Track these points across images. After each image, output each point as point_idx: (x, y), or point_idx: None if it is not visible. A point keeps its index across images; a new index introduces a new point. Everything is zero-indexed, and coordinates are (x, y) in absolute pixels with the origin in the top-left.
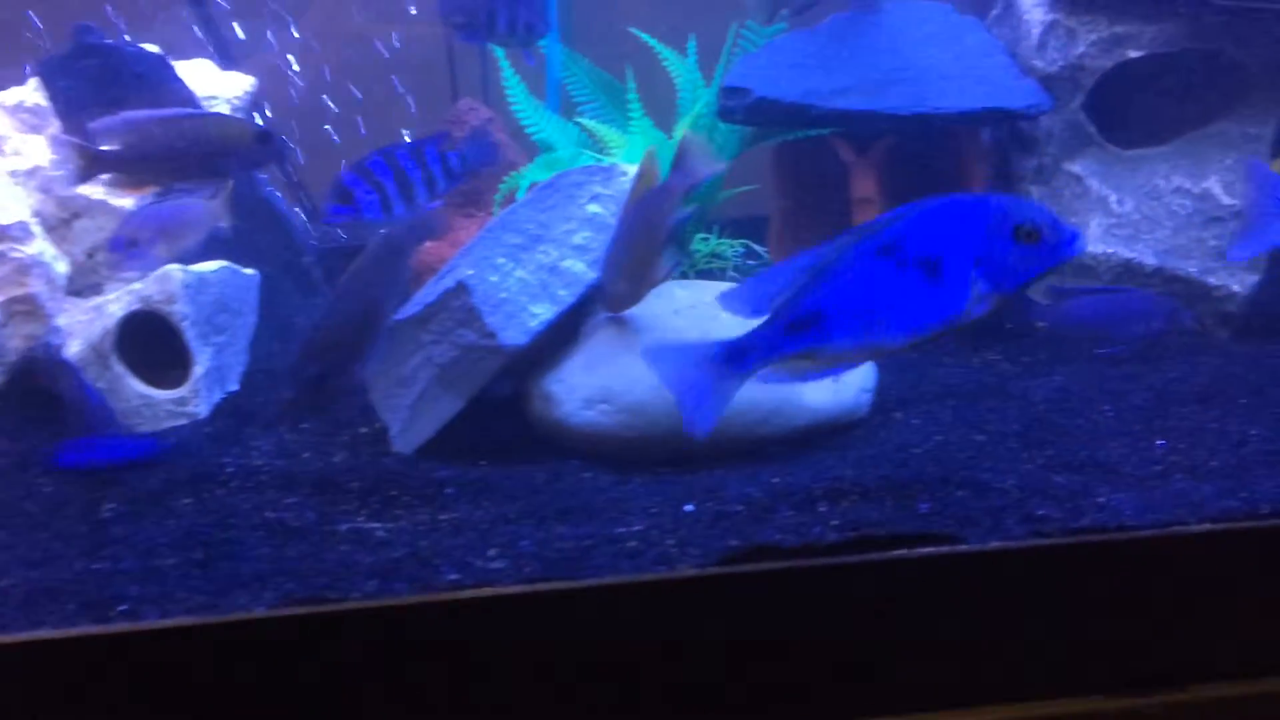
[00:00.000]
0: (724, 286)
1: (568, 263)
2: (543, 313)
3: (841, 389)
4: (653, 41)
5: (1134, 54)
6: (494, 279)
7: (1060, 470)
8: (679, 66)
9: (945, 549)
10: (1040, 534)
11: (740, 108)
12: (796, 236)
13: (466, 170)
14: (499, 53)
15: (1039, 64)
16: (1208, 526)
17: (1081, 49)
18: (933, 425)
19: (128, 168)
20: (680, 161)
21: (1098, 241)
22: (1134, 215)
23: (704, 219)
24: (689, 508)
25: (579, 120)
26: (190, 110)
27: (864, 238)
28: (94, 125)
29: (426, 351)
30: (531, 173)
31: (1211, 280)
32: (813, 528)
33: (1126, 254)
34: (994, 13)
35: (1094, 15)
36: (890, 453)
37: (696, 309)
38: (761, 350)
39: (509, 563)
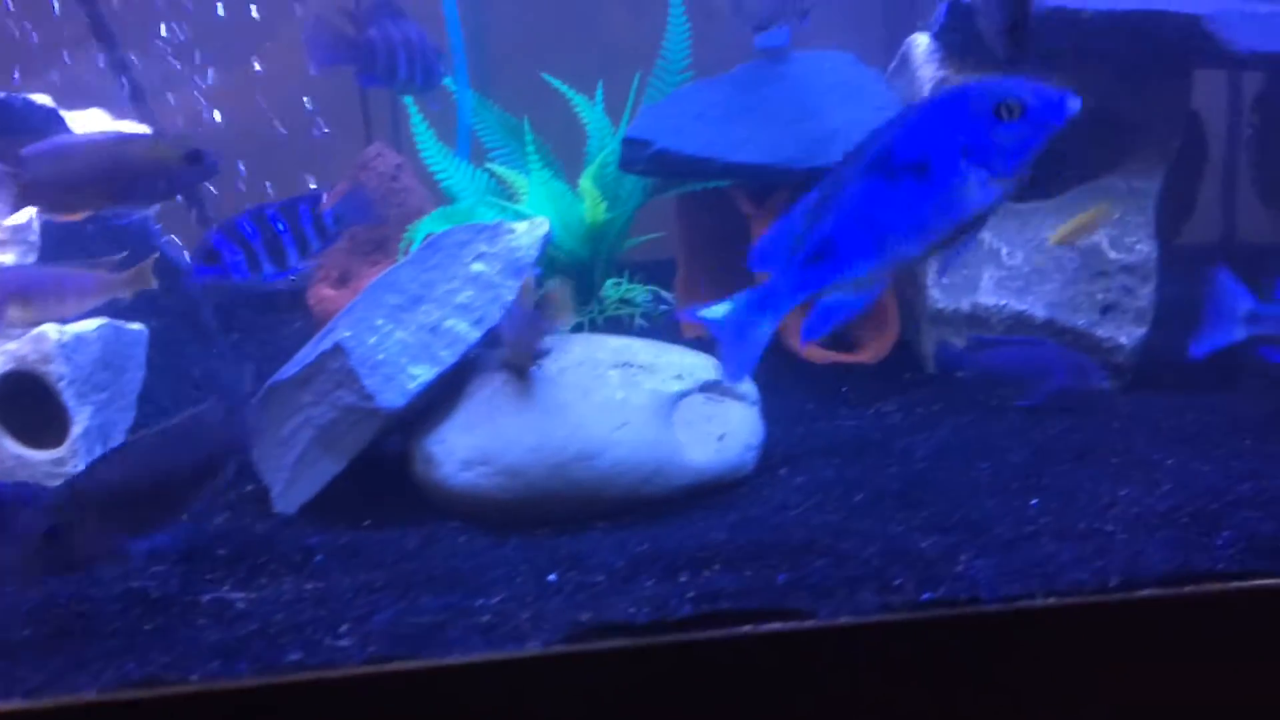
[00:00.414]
0: (619, 342)
1: (450, 323)
2: (422, 374)
3: (725, 447)
4: (563, 88)
5: None
6: (372, 340)
7: (931, 532)
8: (589, 113)
9: (792, 624)
10: (889, 608)
11: (641, 159)
12: (702, 283)
13: (341, 229)
14: (408, 98)
15: None
16: (1053, 601)
17: None
18: (814, 484)
19: (58, 195)
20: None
21: (989, 294)
22: (1024, 268)
23: (614, 264)
24: (552, 577)
25: (489, 167)
26: (119, 134)
27: (853, 159)
28: (25, 152)
29: (306, 413)
30: (426, 225)
31: (1099, 333)
32: (669, 600)
33: (1018, 306)
34: (892, 65)
35: (981, 72)
36: (766, 515)
37: (584, 366)
38: (785, 292)
39: (356, 640)
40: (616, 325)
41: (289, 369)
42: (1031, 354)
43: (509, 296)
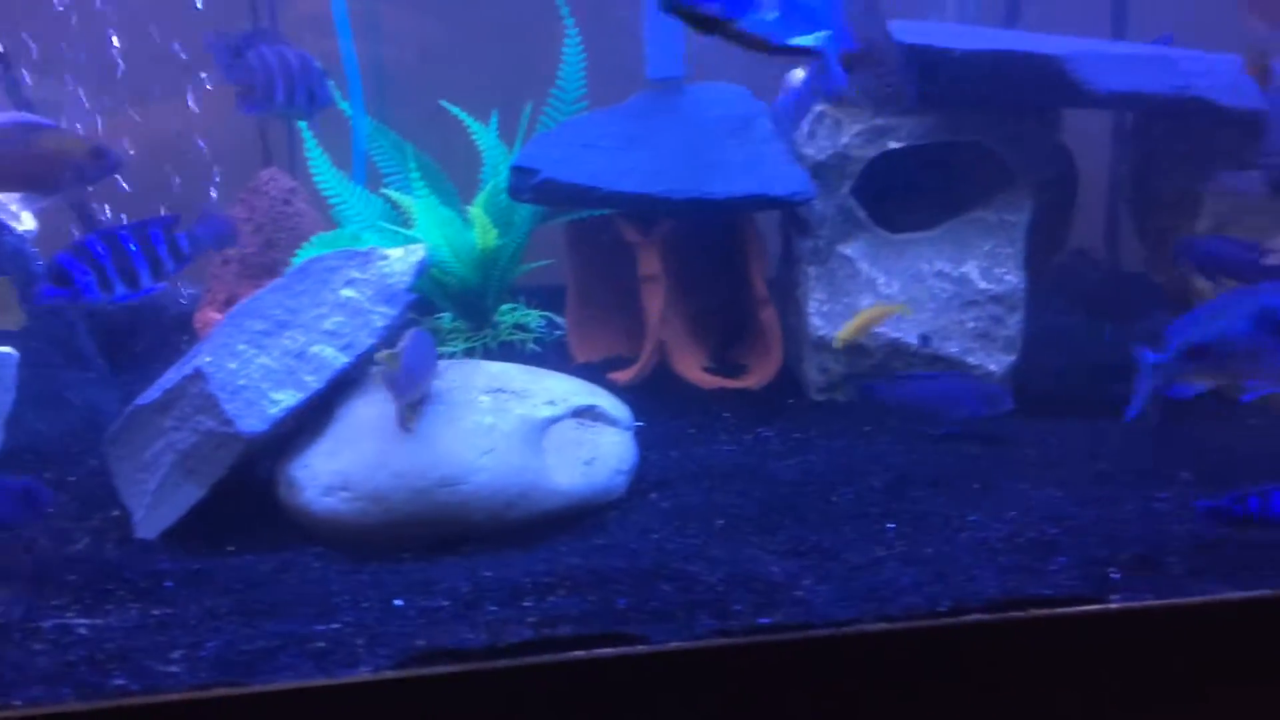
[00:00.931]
0: (497, 368)
1: (317, 348)
2: (285, 399)
3: (594, 471)
4: (460, 113)
5: (894, 144)
6: (233, 365)
7: (785, 556)
8: (484, 139)
9: (623, 649)
10: (724, 632)
11: (528, 187)
12: (591, 309)
13: (197, 252)
14: (303, 125)
15: (810, 152)
16: (882, 626)
17: (847, 139)
18: (679, 509)
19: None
20: None
21: None
22: (900, 297)
23: (508, 289)
24: (399, 603)
25: (384, 192)
26: (27, 120)
27: None
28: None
29: (168, 437)
30: (307, 250)
31: (971, 360)
32: (508, 625)
33: (894, 334)
34: (777, 100)
35: (858, 107)
36: (626, 539)
37: (456, 392)
38: None
39: (187, 666)
40: (509, 350)
41: (151, 393)
42: (944, 386)
43: (380, 323)
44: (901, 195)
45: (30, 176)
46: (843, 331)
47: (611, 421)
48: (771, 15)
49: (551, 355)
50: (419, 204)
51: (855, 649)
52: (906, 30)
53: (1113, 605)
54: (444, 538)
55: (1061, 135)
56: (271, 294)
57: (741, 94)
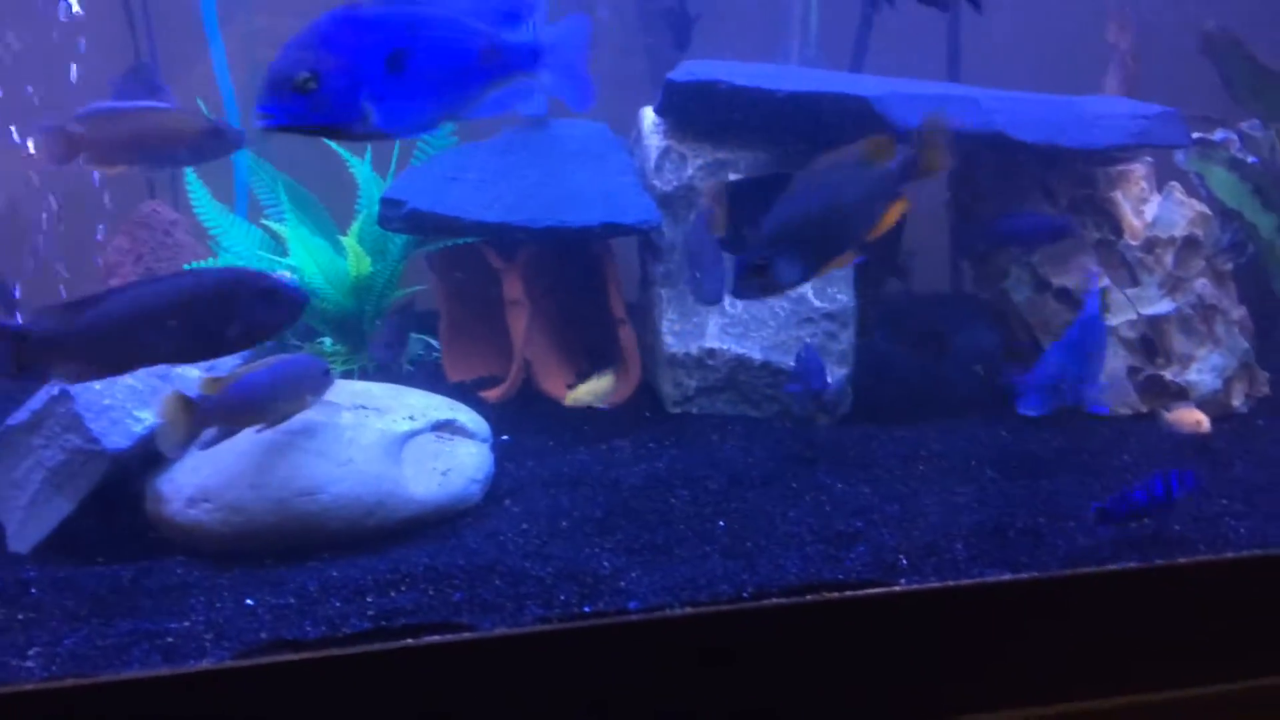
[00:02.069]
0: (361, 386)
1: (180, 369)
2: (148, 418)
3: (449, 481)
4: (336, 146)
5: (733, 176)
6: (99, 386)
7: (617, 554)
8: (359, 170)
9: (449, 637)
10: (544, 619)
11: (397, 217)
12: (462, 331)
13: None
14: None
15: (658, 184)
16: (687, 610)
17: (690, 171)
18: (528, 513)
19: (99, 150)
20: None
21: (715, 339)
22: (744, 315)
23: (385, 314)
24: (250, 602)
25: (264, 222)
26: (153, 104)
27: None
28: (78, 111)
29: (37, 455)
30: None
31: None
32: (348, 619)
33: (738, 350)
34: (633, 134)
35: (700, 142)
36: (474, 542)
37: (319, 409)
38: None
39: (42, 661)
40: (386, 372)
41: (19, 414)
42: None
43: None
44: (743, 221)
45: (155, 153)
46: (573, 395)
47: (470, 435)
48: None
49: (427, 376)
50: (291, 234)
51: (662, 632)
52: (739, 73)
53: (897, 588)
54: (304, 545)
55: None
56: None
57: (600, 130)
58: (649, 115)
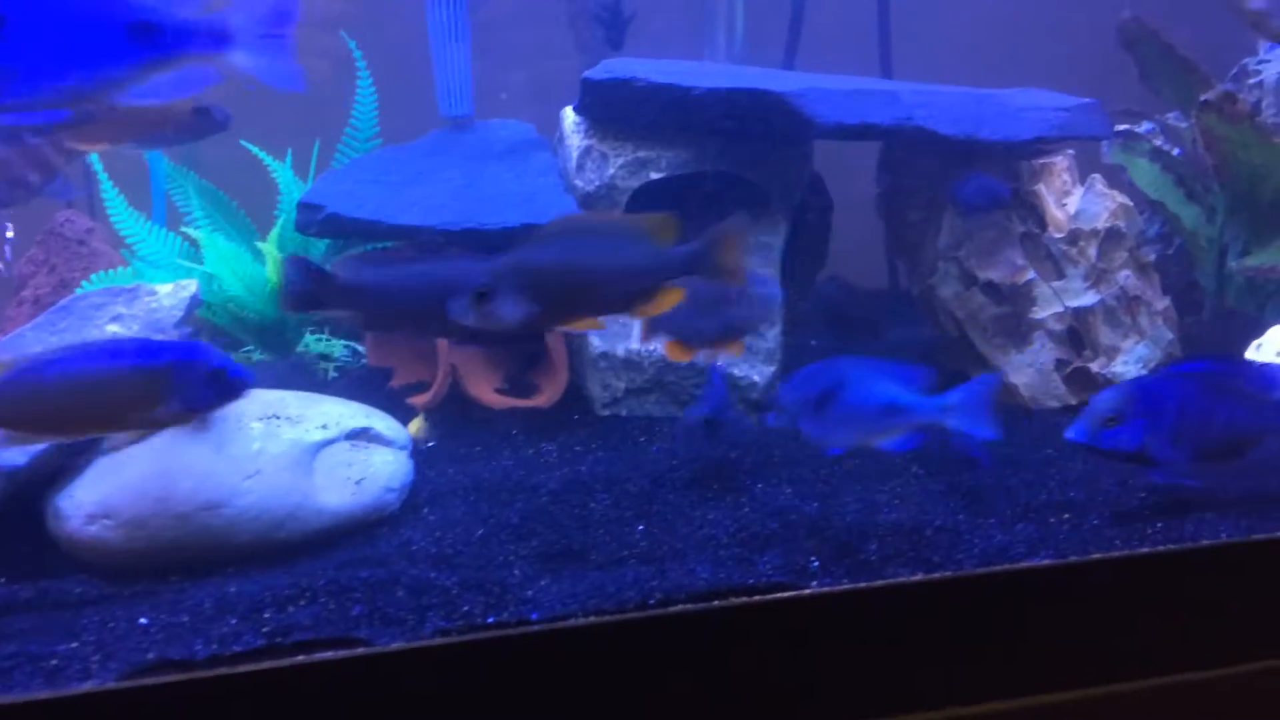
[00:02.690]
0: (274, 395)
1: None
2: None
3: (363, 490)
4: (259, 151)
5: (655, 175)
6: None
7: (530, 561)
8: (281, 175)
9: (342, 652)
10: (443, 632)
11: (314, 222)
12: (390, 336)
13: None
14: (97, 164)
15: (580, 184)
16: (591, 620)
17: (612, 171)
18: (445, 521)
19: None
20: None
21: (637, 340)
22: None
23: (313, 320)
24: (144, 621)
25: (183, 230)
26: None
27: None
28: None
29: None
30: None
31: (736, 371)
32: (241, 636)
33: (663, 350)
34: (556, 135)
35: (621, 141)
36: (385, 552)
37: (228, 420)
38: None
39: None
40: (312, 380)
41: None
42: None
43: None
44: (679, 220)
45: (142, 130)
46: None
47: (387, 443)
48: None
49: (355, 383)
50: (206, 240)
51: (562, 643)
52: (658, 70)
53: (806, 591)
54: (210, 560)
55: (811, 163)
56: (33, 331)
57: (525, 131)
58: (569, 115)
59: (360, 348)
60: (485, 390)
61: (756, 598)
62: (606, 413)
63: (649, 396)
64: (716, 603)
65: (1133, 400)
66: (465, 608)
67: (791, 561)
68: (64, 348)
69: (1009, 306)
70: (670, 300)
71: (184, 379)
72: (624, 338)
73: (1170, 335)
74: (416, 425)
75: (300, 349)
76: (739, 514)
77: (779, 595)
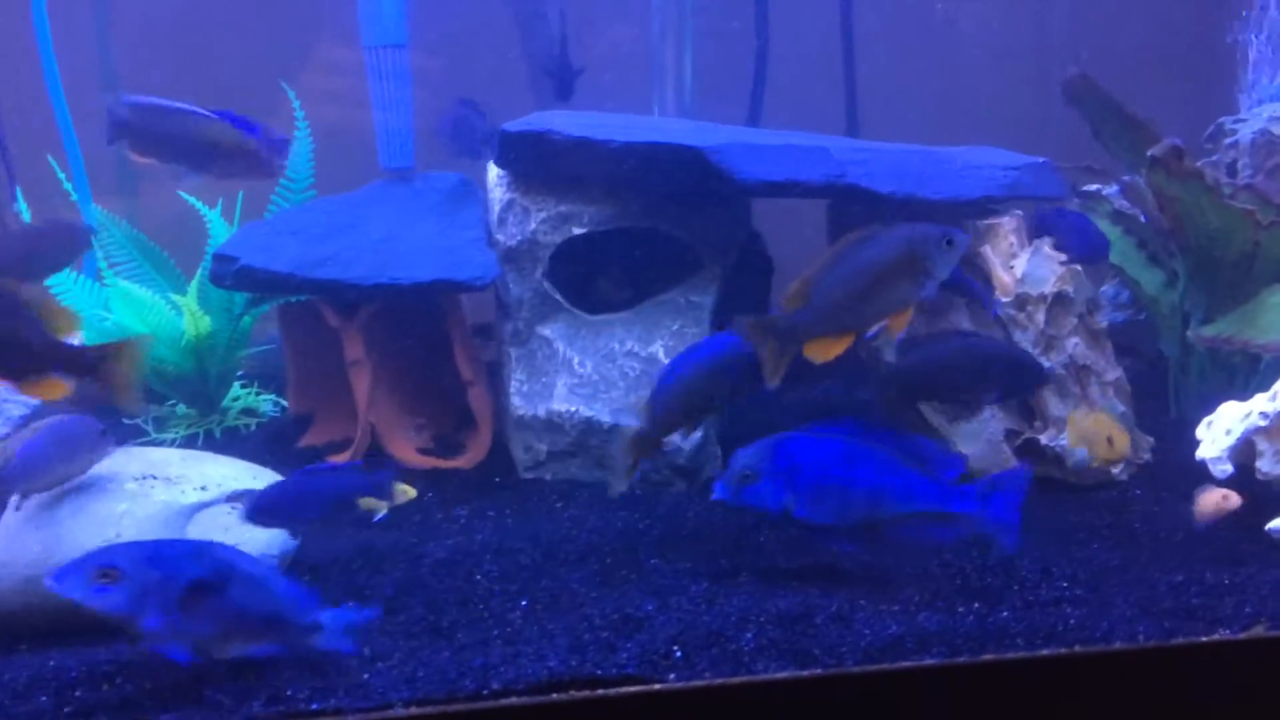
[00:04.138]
0: (160, 455)
1: None
2: None
3: None
4: (192, 200)
5: (578, 230)
6: None
7: (390, 638)
8: (215, 227)
9: None
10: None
11: (228, 274)
12: (310, 392)
13: None
14: (25, 214)
15: (502, 238)
16: (412, 710)
17: (534, 225)
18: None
19: (140, 139)
20: None
21: (563, 400)
22: (593, 376)
23: (232, 374)
24: None
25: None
26: (198, 110)
27: None
28: (126, 98)
29: None
30: None
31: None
32: (44, 715)
33: (586, 412)
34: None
35: (544, 195)
36: None
37: (101, 480)
38: None
39: None
40: (233, 436)
41: None
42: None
43: (17, 413)
44: (613, 278)
45: (198, 158)
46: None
47: None
48: None
49: (278, 439)
50: (113, 292)
51: None
52: (577, 123)
53: (656, 686)
54: (63, 628)
55: (748, 222)
56: None
57: (462, 183)
58: (493, 169)
59: (284, 400)
60: (406, 450)
61: (586, 693)
62: (530, 476)
63: (573, 460)
64: (555, 695)
65: (767, 457)
66: (289, 691)
67: (652, 650)
68: None
69: None
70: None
71: None
72: (545, 397)
73: (1122, 407)
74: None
75: (228, 403)
76: (623, 592)
77: (615, 691)
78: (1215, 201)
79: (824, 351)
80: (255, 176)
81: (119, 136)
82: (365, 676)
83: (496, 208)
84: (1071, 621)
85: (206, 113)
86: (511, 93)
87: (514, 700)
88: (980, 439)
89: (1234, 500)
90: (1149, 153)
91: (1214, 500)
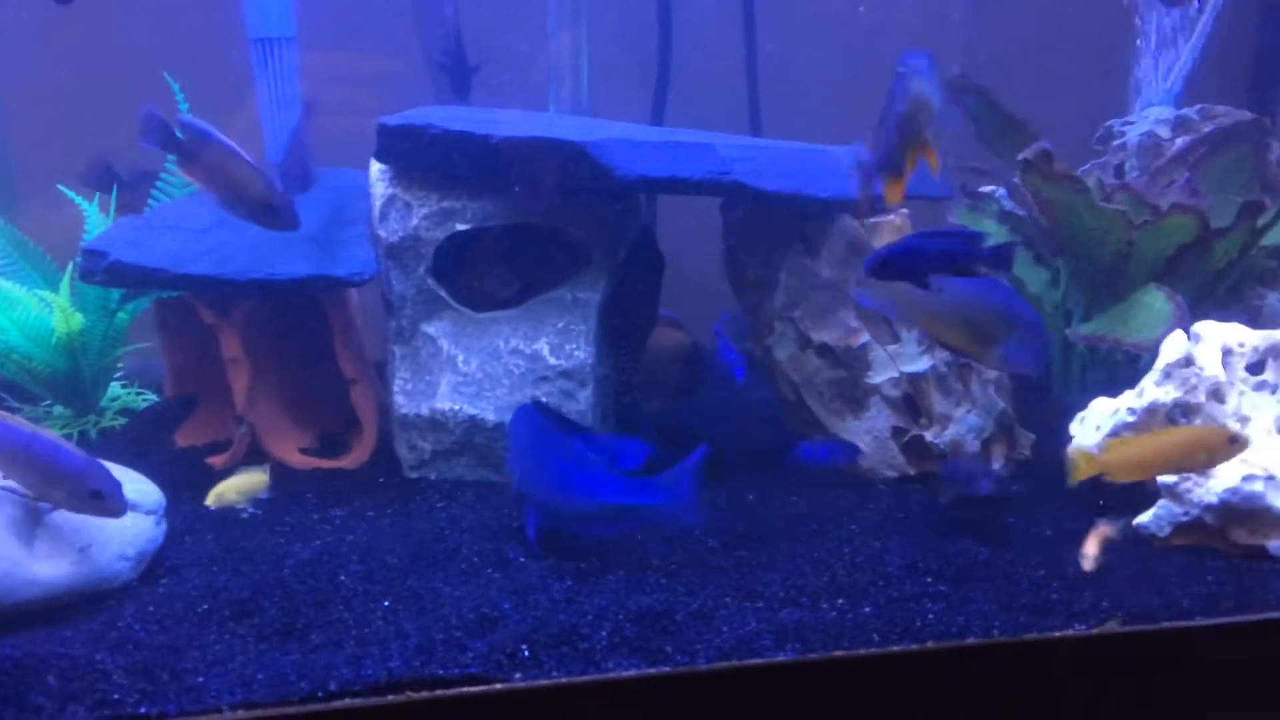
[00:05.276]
0: None
1: None
2: None
3: (88, 558)
4: (72, 195)
5: (461, 226)
6: None
7: (240, 640)
8: (91, 220)
9: None
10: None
11: (99, 269)
12: (189, 391)
13: None
14: None
15: (383, 234)
16: (240, 714)
17: (416, 221)
18: (173, 594)
19: (186, 159)
20: None
21: (446, 399)
22: (478, 374)
23: (112, 372)
24: None
25: None
26: (237, 150)
27: None
28: (185, 119)
29: None
30: None
31: None
32: None
33: (471, 410)
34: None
35: (426, 191)
36: (84, 629)
37: None
38: None
39: None
40: (110, 437)
41: None
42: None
43: None
44: (500, 274)
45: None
46: (212, 495)
47: (132, 507)
48: None
49: (153, 439)
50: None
51: None
52: (456, 117)
53: (496, 686)
54: None
55: (638, 219)
56: None
57: (356, 179)
58: (375, 164)
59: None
60: (288, 450)
61: (440, 691)
62: (415, 475)
63: (458, 459)
64: (391, 697)
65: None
66: (116, 696)
67: (500, 649)
68: None
69: (845, 370)
70: None
71: None
72: (429, 396)
73: (1001, 404)
74: (238, 483)
75: (106, 403)
76: (484, 591)
77: (454, 691)
78: (1088, 203)
79: None
80: (269, 228)
81: (169, 149)
82: (200, 680)
83: (378, 203)
84: (930, 617)
85: (247, 158)
86: (412, 88)
87: (346, 703)
88: (868, 435)
89: (1106, 531)
90: (1021, 155)
91: (1094, 541)
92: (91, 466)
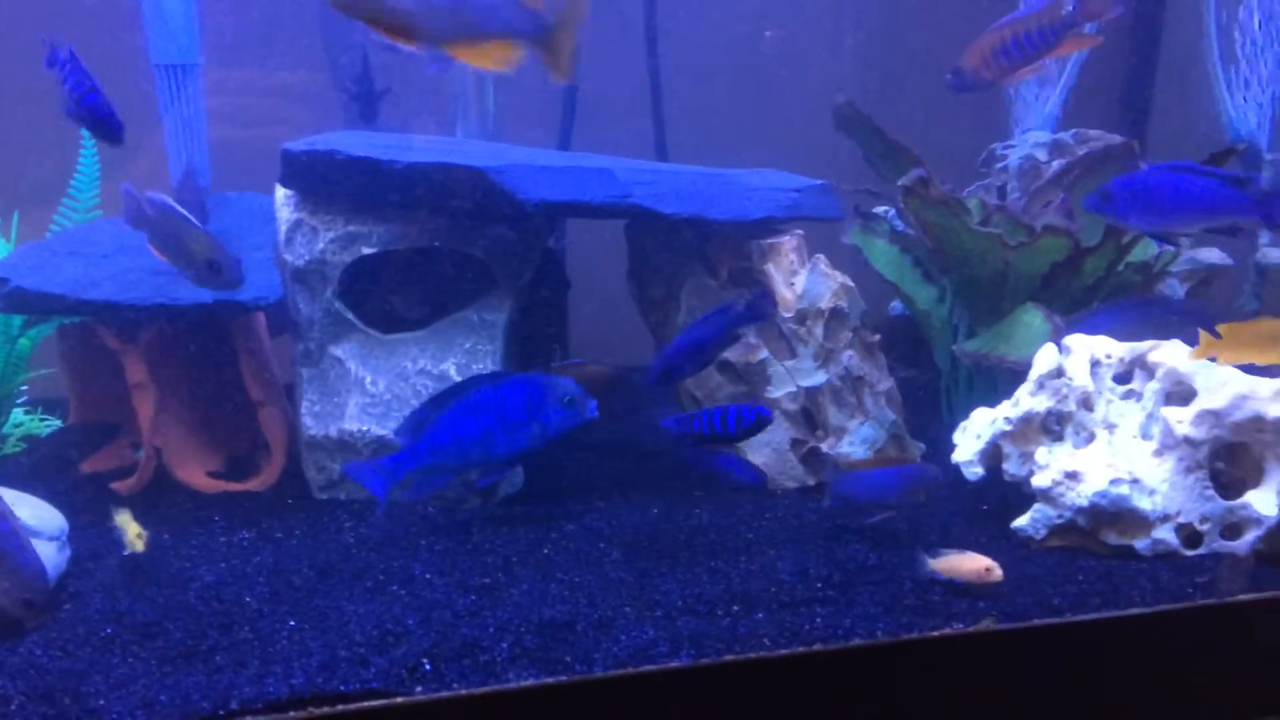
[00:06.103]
0: None
1: None
2: None
3: None
4: None
5: (368, 250)
6: None
7: (144, 662)
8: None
9: None
10: None
11: (0, 296)
12: (93, 417)
13: None
14: None
15: (289, 258)
16: None
17: (322, 245)
18: (75, 618)
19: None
20: None
21: (354, 420)
22: (386, 395)
23: (13, 399)
24: None
25: None
26: (189, 219)
27: None
28: (151, 196)
29: None
30: None
31: None
32: None
33: (379, 431)
34: None
35: (332, 215)
36: None
37: None
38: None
39: None
40: (13, 464)
41: None
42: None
43: None
44: (407, 297)
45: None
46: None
47: (32, 533)
48: None
49: (60, 466)
50: None
51: None
52: (361, 143)
53: (397, 700)
54: None
55: (544, 241)
56: None
57: (260, 204)
58: (280, 189)
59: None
60: (195, 474)
61: (328, 708)
62: (324, 496)
63: None
64: (292, 713)
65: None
66: None
67: (402, 663)
68: None
69: (745, 386)
70: None
71: None
72: (337, 418)
73: (893, 416)
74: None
75: (8, 429)
76: (390, 609)
77: (355, 706)
78: (966, 225)
79: None
80: (218, 289)
81: (140, 227)
82: (102, 703)
83: (284, 227)
84: (818, 620)
85: (198, 224)
86: (322, 112)
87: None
88: (768, 448)
89: (997, 574)
90: (900, 181)
91: (976, 570)
92: None
